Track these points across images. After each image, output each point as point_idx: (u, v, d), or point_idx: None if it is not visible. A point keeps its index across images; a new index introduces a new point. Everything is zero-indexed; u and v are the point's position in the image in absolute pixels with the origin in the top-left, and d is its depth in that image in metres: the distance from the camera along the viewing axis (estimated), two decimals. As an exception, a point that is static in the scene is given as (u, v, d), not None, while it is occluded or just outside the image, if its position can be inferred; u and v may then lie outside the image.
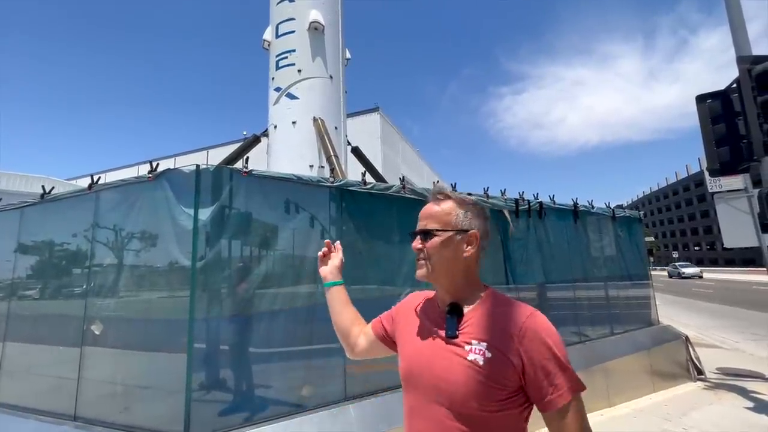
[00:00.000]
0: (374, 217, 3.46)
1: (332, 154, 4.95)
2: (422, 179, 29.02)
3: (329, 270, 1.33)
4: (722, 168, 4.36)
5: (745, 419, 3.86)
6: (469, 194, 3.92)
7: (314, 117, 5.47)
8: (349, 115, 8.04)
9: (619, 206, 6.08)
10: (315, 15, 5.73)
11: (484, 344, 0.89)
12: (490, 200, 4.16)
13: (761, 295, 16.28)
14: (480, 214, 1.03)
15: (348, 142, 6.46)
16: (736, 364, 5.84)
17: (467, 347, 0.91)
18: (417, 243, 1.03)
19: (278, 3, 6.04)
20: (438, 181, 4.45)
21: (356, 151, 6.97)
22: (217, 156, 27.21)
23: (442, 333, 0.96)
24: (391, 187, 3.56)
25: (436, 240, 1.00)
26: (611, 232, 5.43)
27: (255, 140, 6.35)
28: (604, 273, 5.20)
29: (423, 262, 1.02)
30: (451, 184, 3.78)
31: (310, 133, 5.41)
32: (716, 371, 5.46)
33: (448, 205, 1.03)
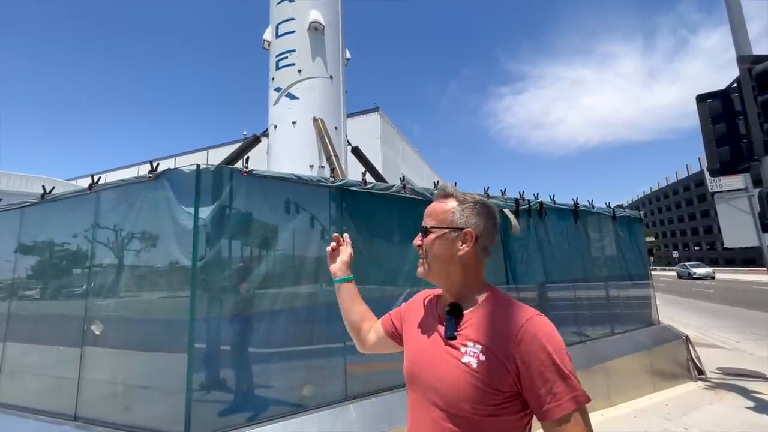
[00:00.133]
0: (374, 217, 3.46)
1: (332, 154, 4.95)
2: (422, 179, 29.02)
3: (338, 266, 1.31)
4: (723, 168, 4.36)
5: (746, 419, 3.86)
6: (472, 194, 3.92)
7: (314, 117, 5.47)
8: (349, 115, 8.04)
9: (620, 206, 6.08)
10: (315, 15, 5.72)
11: (479, 347, 0.88)
12: (490, 200, 4.16)
13: (762, 295, 16.27)
14: (481, 212, 1.00)
15: (348, 142, 6.46)
16: (737, 363, 5.84)
17: (462, 349, 0.90)
18: (417, 240, 1.05)
19: (278, 3, 6.04)
20: (438, 181, 4.44)
21: (356, 151, 6.97)
22: (217, 156, 27.22)
23: (443, 333, 0.96)
24: (392, 187, 3.56)
25: (430, 237, 1.01)
26: (612, 232, 5.43)
27: (255, 140, 6.35)
28: (604, 273, 5.20)
29: (422, 259, 1.03)
30: (452, 184, 3.78)
31: (310, 133, 5.41)
32: (717, 371, 5.46)
33: (447, 203, 1.02)
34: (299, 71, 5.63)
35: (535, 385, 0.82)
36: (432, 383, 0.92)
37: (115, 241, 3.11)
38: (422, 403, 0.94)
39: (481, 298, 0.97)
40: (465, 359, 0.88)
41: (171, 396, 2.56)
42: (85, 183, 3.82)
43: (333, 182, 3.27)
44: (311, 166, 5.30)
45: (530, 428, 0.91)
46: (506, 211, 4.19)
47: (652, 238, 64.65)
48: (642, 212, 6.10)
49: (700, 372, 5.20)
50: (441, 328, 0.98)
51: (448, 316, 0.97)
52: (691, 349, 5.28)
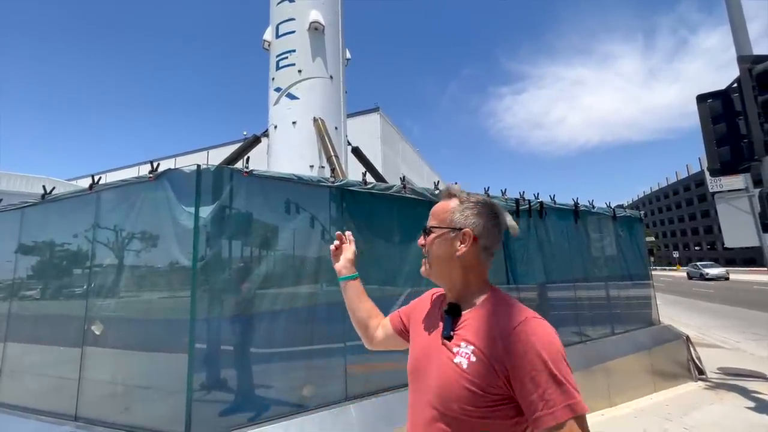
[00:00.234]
0: (375, 217, 3.46)
1: (332, 154, 4.95)
2: (422, 179, 29.02)
3: (342, 264, 1.30)
4: (723, 168, 4.36)
5: (746, 419, 3.85)
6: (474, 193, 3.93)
7: (314, 117, 5.47)
8: (350, 116, 8.04)
9: (620, 206, 6.08)
10: (315, 15, 5.73)
11: (471, 347, 0.87)
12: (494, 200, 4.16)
13: (762, 295, 16.26)
14: (482, 212, 0.98)
15: (348, 142, 6.46)
16: (737, 363, 5.83)
17: (455, 349, 0.90)
18: (420, 239, 1.06)
19: (278, 3, 6.04)
20: (438, 182, 4.47)
21: (356, 152, 6.97)
22: (217, 156, 27.23)
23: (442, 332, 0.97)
24: (392, 187, 3.56)
25: (431, 237, 1.02)
26: (612, 232, 5.43)
27: (255, 140, 6.35)
28: (604, 273, 5.20)
29: (424, 259, 1.04)
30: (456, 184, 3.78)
31: (311, 133, 5.41)
32: (717, 371, 5.46)
33: (449, 203, 1.02)
34: (299, 71, 5.63)
35: (526, 389, 0.79)
36: (428, 382, 0.93)
37: (116, 241, 3.11)
38: (420, 402, 0.95)
39: (481, 298, 0.97)
40: (456, 359, 0.88)
41: (171, 396, 2.56)
42: (85, 183, 3.83)
43: (333, 182, 3.27)
44: (311, 167, 5.30)
45: None
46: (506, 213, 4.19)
47: (653, 238, 64.64)
48: (642, 212, 6.11)
49: (701, 372, 5.20)
50: (441, 328, 0.98)
51: (446, 316, 0.98)
52: (691, 349, 5.27)
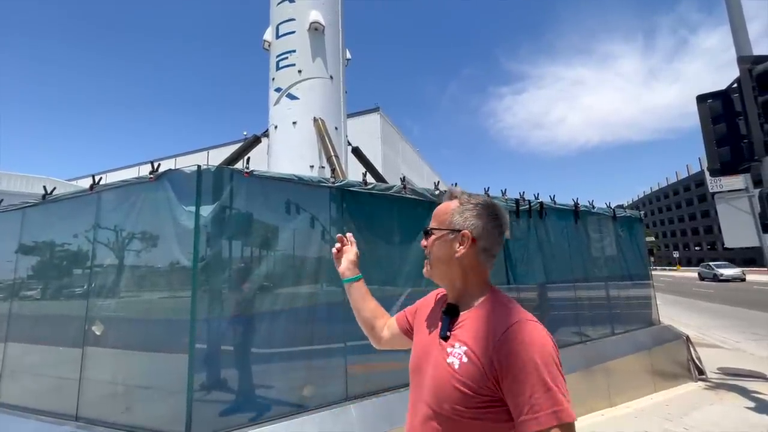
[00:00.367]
0: (375, 218, 3.46)
1: (332, 154, 4.95)
2: (422, 179, 29.03)
3: (346, 266, 1.32)
4: (723, 168, 4.36)
5: (746, 419, 3.86)
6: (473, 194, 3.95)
7: (314, 117, 5.47)
8: (350, 116, 8.04)
9: (620, 206, 6.08)
10: (315, 15, 5.73)
11: (464, 348, 0.88)
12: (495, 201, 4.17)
13: (762, 295, 16.26)
14: (481, 214, 0.98)
15: (348, 142, 6.46)
16: (737, 364, 5.84)
17: (449, 349, 0.91)
18: (423, 241, 1.07)
19: (278, 3, 6.04)
20: (438, 182, 4.47)
21: (356, 152, 6.97)
22: (217, 156, 27.24)
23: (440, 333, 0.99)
24: (392, 187, 3.56)
25: (431, 238, 1.03)
26: (612, 232, 5.43)
27: (255, 141, 6.35)
28: (604, 273, 5.20)
29: (426, 260, 1.06)
30: (452, 185, 3.79)
31: (311, 133, 5.41)
32: (717, 371, 5.46)
33: (450, 205, 1.03)
34: (299, 72, 5.63)
35: (514, 392, 0.78)
36: (425, 381, 0.95)
37: (116, 241, 3.11)
38: (418, 400, 0.97)
39: (480, 300, 0.97)
40: (449, 359, 0.89)
41: (172, 396, 2.57)
42: (85, 183, 3.83)
43: (333, 183, 3.27)
44: (311, 167, 5.30)
45: None
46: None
47: (653, 238, 64.62)
48: (642, 212, 6.11)
49: (701, 372, 5.20)
50: (440, 328, 1.00)
51: (444, 316, 0.99)
52: (691, 349, 5.28)
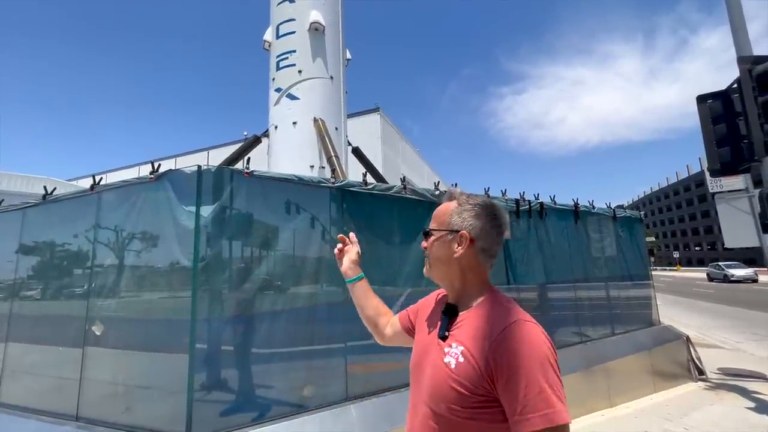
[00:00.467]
0: (375, 218, 3.46)
1: (333, 154, 4.95)
2: (423, 179, 29.03)
3: (348, 266, 1.34)
4: (723, 168, 4.36)
5: (746, 419, 3.86)
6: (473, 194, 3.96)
7: (315, 117, 5.48)
8: (350, 116, 8.05)
9: (620, 206, 6.08)
10: (315, 15, 5.73)
11: (461, 348, 0.88)
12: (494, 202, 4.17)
13: (762, 295, 16.26)
14: (480, 214, 0.99)
15: (348, 142, 6.46)
16: (737, 364, 5.84)
17: (446, 349, 0.92)
18: (423, 242, 1.08)
19: (279, 3, 6.04)
20: (438, 182, 4.48)
21: (357, 152, 6.97)
22: (217, 156, 27.24)
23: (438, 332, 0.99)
24: (392, 187, 3.56)
25: (431, 239, 1.04)
26: (612, 233, 5.43)
27: (255, 141, 6.35)
28: (605, 273, 5.20)
29: (426, 260, 1.07)
30: (452, 185, 3.79)
31: (311, 133, 5.41)
32: (717, 371, 5.46)
33: (448, 206, 1.04)
34: (300, 72, 5.63)
35: (507, 393, 0.78)
36: (424, 381, 0.95)
37: (116, 241, 3.11)
38: (417, 399, 0.97)
39: (478, 300, 0.97)
40: (446, 359, 0.89)
41: (172, 396, 2.57)
42: (85, 183, 3.83)
43: (334, 183, 3.27)
44: (312, 167, 5.30)
45: None
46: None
47: (653, 239, 64.59)
48: (642, 212, 6.11)
49: (701, 372, 5.20)
50: (438, 328, 1.01)
51: (443, 316, 1.00)
52: (691, 349, 5.28)
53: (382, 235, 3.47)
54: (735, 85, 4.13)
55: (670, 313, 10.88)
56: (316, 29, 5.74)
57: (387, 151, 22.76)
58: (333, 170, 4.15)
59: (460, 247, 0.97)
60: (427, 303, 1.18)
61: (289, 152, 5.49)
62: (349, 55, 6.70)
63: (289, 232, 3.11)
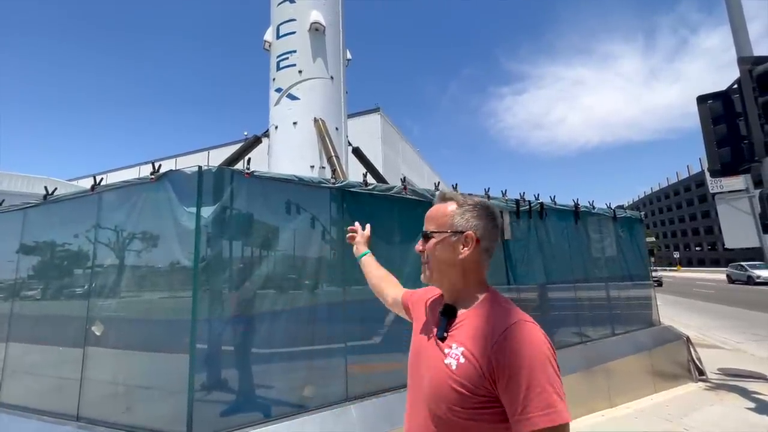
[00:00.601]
0: (375, 218, 3.44)
1: (333, 154, 4.95)
2: (423, 179, 29.03)
3: (360, 241, 1.59)
4: (723, 168, 4.36)
5: (747, 420, 3.86)
6: (469, 195, 3.97)
7: (315, 118, 5.48)
8: (350, 116, 8.05)
9: (620, 206, 6.08)
10: (316, 16, 5.73)
11: (461, 348, 0.88)
12: (490, 201, 4.17)
13: (763, 296, 16.24)
14: (482, 214, 1.00)
15: (349, 142, 6.47)
16: (738, 364, 5.84)
17: (446, 350, 0.91)
18: (419, 245, 1.05)
19: (279, 4, 6.05)
20: (439, 182, 4.48)
21: (357, 152, 6.98)
22: (218, 157, 27.25)
23: (436, 333, 0.99)
24: (393, 188, 3.57)
25: (432, 242, 1.01)
26: (612, 233, 5.43)
27: (256, 141, 6.36)
28: (605, 273, 5.20)
29: (425, 264, 1.04)
30: (453, 185, 3.79)
31: (311, 133, 5.42)
32: (717, 372, 5.46)
33: (448, 207, 1.03)
34: (300, 72, 5.63)
35: (508, 392, 0.78)
36: (423, 381, 0.95)
37: (117, 241, 3.12)
38: (416, 399, 0.98)
39: (478, 300, 0.97)
40: (447, 360, 0.89)
41: (173, 396, 2.57)
42: (86, 183, 3.84)
43: (334, 183, 3.28)
44: (312, 167, 5.30)
45: None
46: (505, 213, 4.19)
47: (653, 239, 64.51)
48: (642, 213, 6.11)
49: (701, 373, 5.20)
50: (435, 328, 1.00)
51: (441, 317, 0.99)
52: (691, 349, 5.28)
53: (383, 236, 3.47)
54: (735, 86, 4.13)
55: (670, 313, 10.88)
56: (317, 29, 5.74)
57: (387, 152, 22.76)
58: (333, 170, 4.15)
59: (466, 248, 0.97)
60: (424, 298, 1.18)
61: (289, 152, 5.49)
62: (349, 56, 6.71)
63: (290, 232, 3.11)
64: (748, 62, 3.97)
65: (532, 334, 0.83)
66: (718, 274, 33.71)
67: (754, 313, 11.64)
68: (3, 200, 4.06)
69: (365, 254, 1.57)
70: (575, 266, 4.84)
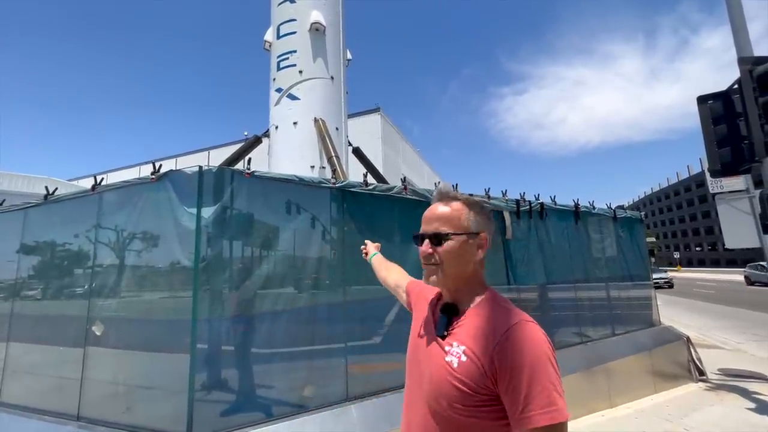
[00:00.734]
0: (376, 218, 3.46)
1: (333, 154, 4.96)
2: (423, 179, 29.03)
3: (371, 251, 1.79)
4: (724, 169, 4.36)
5: (747, 420, 3.86)
6: (471, 194, 3.97)
7: (315, 118, 5.49)
8: (350, 116, 8.05)
9: (620, 207, 6.08)
10: (316, 16, 5.74)
11: (463, 347, 0.89)
12: (491, 201, 4.17)
13: (763, 296, 16.24)
14: (488, 215, 1.02)
15: (349, 142, 6.47)
16: (738, 364, 5.83)
17: (447, 348, 0.92)
18: (427, 247, 0.98)
19: (279, 4, 6.05)
20: (439, 182, 4.43)
21: (357, 152, 6.98)
22: (218, 157, 27.26)
23: (436, 331, 1.00)
24: (393, 188, 3.57)
25: (451, 244, 0.96)
26: (612, 233, 5.43)
27: (256, 141, 6.37)
28: (605, 273, 5.20)
29: (434, 267, 0.98)
30: (453, 185, 3.78)
31: (311, 133, 5.42)
32: (718, 372, 5.46)
33: (457, 207, 1.00)
34: (300, 72, 5.64)
35: (509, 391, 0.79)
36: (423, 379, 0.96)
37: (117, 241, 3.12)
38: (414, 394, 0.98)
39: (478, 299, 0.97)
40: (448, 358, 0.90)
41: (173, 396, 2.57)
42: (86, 183, 3.84)
43: (334, 183, 3.28)
44: (312, 167, 5.31)
45: None
46: (506, 213, 4.19)
47: (653, 239, 64.48)
48: (643, 213, 6.11)
49: (701, 373, 5.20)
50: (435, 326, 1.01)
51: (441, 315, 1.00)
52: (692, 350, 5.27)
53: (383, 236, 3.46)
54: (735, 86, 4.13)
55: (670, 313, 10.87)
56: (317, 29, 5.75)
57: (387, 152, 22.76)
58: (333, 170, 4.15)
59: (480, 250, 0.98)
60: (425, 292, 1.18)
61: (289, 152, 5.50)
62: (349, 56, 6.71)
63: (290, 232, 3.11)
64: (748, 62, 3.96)
65: (533, 333, 0.83)
66: (719, 275, 33.64)
67: (754, 313, 11.63)
68: (4, 200, 4.06)
69: (374, 255, 1.74)
70: (575, 266, 4.84)
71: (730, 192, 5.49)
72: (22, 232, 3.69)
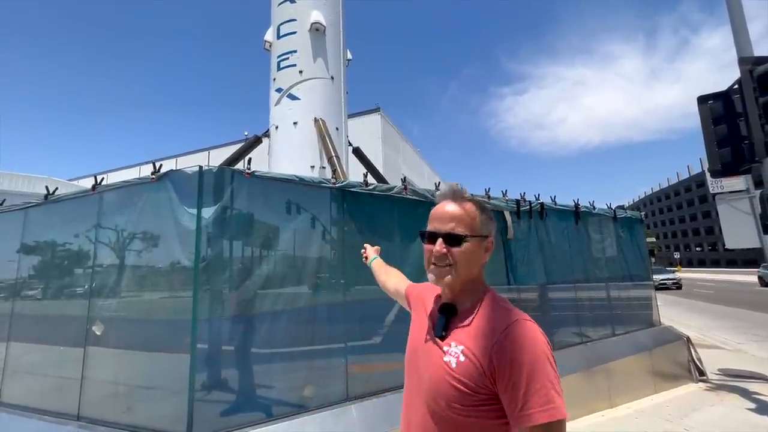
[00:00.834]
0: (376, 218, 3.46)
1: (333, 154, 4.96)
2: (423, 180, 29.03)
3: (371, 254, 1.80)
4: (724, 169, 4.36)
5: (747, 420, 3.85)
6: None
7: (315, 118, 5.49)
8: (350, 116, 8.05)
9: (621, 207, 6.08)
10: (316, 16, 5.74)
11: (461, 347, 0.89)
12: (491, 201, 4.17)
13: (763, 296, 16.23)
14: (492, 217, 1.04)
15: (349, 142, 6.47)
16: (738, 365, 5.84)
17: (446, 348, 0.92)
18: (440, 247, 0.96)
19: (279, 4, 6.05)
20: (439, 182, 4.45)
21: (357, 152, 6.98)
22: (218, 157, 27.26)
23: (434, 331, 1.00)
24: (393, 188, 3.57)
25: (468, 246, 0.95)
26: (613, 233, 5.43)
27: (256, 141, 6.37)
28: (605, 274, 5.20)
29: (447, 268, 0.96)
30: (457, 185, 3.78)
31: (311, 133, 5.42)
32: (718, 372, 5.46)
33: (471, 209, 0.99)
34: (300, 72, 5.64)
35: (508, 389, 0.80)
36: (421, 379, 0.96)
37: (117, 241, 3.12)
38: (413, 394, 0.98)
39: (477, 299, 0.97)
40: (446, 358, 0.90)
41: (173, 396, 2.57)
42: (86, 183, 3.85)
43: (334, 183, 3.28)
44: (312, 167, 5.31)
45: None
46: (506, 214, 4.19)
47: (653, 239, 64.43)
48: (643, 213, 6.11)
49: (701, 373, 5.19)
50: (434, 326, 1.01)
51: (440, 315, 0.99)
52: (692, 350, 5.27)
53: (383, 236, 3.47)
54: (736, 86, 4.13)
55: (670, 313, 10.87)
56: (317, 29, 5.75)
57: (387, 152, 22.77)
58: (334, 170, 4.15)
59: (487, 253, 1.00)
60: (423, 296, 1.18)
61: (289, 152, 5.50)
62: (349, 56, 6.71)
63: (290, 232, 3.11)
64: (748, 62, 3.97)
65: (532, 332, 0.84)
66: (719, 275, 33.60)
67: (754, 313, 11.64)
68: (4, 200, 4.06)
69: (374, 259, 1.76)
70: (575, 266, 4.84)
71: (730, 192, 5.48)
72: (22, 232, 3.69)
